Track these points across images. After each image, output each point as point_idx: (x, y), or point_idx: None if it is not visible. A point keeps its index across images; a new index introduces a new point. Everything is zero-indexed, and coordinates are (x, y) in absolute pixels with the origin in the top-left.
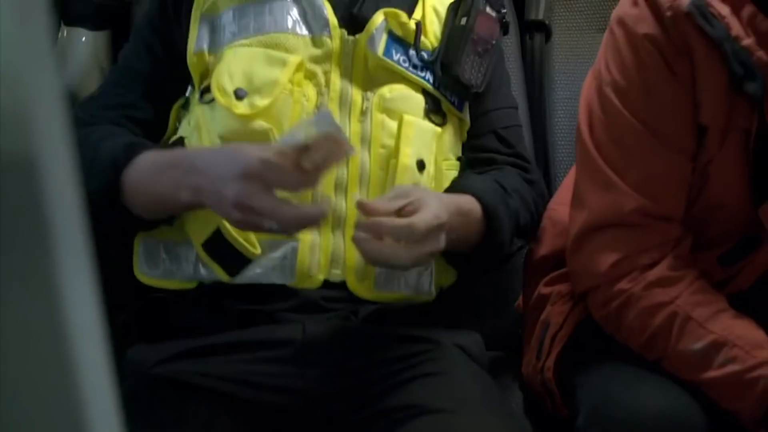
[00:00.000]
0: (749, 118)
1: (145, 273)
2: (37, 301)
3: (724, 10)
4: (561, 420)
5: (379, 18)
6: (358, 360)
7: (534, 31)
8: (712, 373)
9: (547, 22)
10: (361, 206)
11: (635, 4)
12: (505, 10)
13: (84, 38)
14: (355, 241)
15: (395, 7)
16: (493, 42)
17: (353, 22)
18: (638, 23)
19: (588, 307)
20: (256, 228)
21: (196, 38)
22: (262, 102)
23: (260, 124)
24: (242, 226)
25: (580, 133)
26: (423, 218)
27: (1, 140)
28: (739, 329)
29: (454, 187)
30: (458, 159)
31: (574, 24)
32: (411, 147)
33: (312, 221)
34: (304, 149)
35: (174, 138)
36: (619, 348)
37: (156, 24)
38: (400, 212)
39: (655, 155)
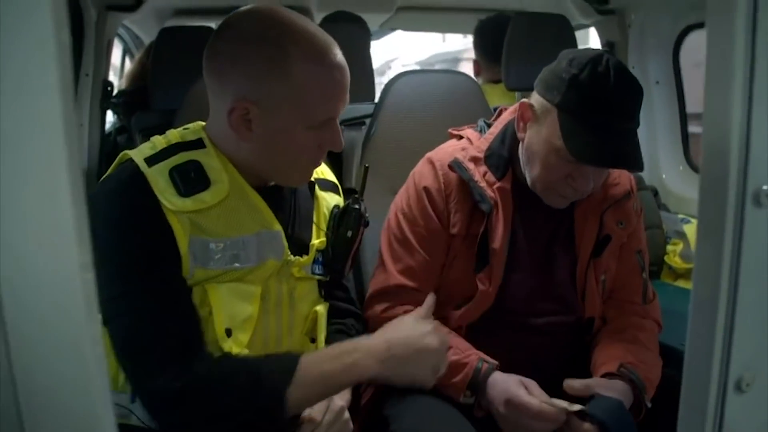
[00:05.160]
0: (479, 227)
1: None
2: None
3: (470, 165)
4: None
5: (313, 252)
6: None
7: (350, 194)
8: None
9: (357, 189)
10: None
11: (423, 165)
12: (368, 215)
13: None
14: None
15: (304, 217)
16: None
17: (293, 243)
18: (422, 178)
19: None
20: None
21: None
22: (245, 337)
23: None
24: None
25: (382, 238)
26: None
27: None
28: (458, 341)
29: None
30: None
31: (373, 190)
32: (323, 332)
33: None
34: None
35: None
36: (405, 390)
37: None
38: None
39: (416, 256)
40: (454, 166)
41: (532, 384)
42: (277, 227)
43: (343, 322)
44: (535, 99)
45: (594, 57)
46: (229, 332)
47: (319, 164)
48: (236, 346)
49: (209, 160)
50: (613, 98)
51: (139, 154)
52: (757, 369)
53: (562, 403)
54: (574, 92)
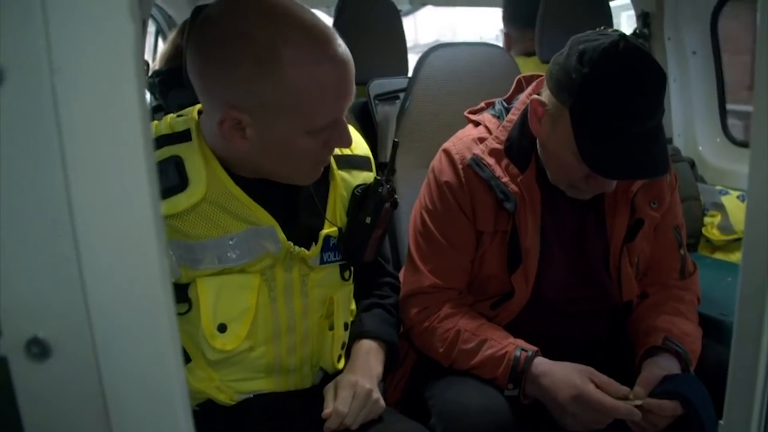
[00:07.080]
0: (507, 224)
1: None
2: None
3: (491, 160)
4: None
5: (321, 242)
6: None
7: (384, 169)
8: (479, 358)
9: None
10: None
11: (441, 159)
12: (396, 195)
13: None
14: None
15: (314, 203)
16: (388, 220)
17: (296, 233)
18: (442, 173)
19: (411, 338)
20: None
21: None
22: (242, 330)
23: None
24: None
25: (409, 236)
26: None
27: None
28: (493, 332)
29: (358, 332)
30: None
31: (408, 163)
32: (341, 318)
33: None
34: None
35: None
36: (445, 370)
37: None
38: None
39: (445, 254)
40: (473, 165)
41: (596, 374)
42: (269, 222)
43: (379, 293)
44: (547, 96)
45: (606, 49)
46: (223, 327)
47: (327, 161)
48: (231, 342)
49: (191, 155)
50: (629, 101)
51: None
52: None
53: (635, 402)
54: (586, 96)
